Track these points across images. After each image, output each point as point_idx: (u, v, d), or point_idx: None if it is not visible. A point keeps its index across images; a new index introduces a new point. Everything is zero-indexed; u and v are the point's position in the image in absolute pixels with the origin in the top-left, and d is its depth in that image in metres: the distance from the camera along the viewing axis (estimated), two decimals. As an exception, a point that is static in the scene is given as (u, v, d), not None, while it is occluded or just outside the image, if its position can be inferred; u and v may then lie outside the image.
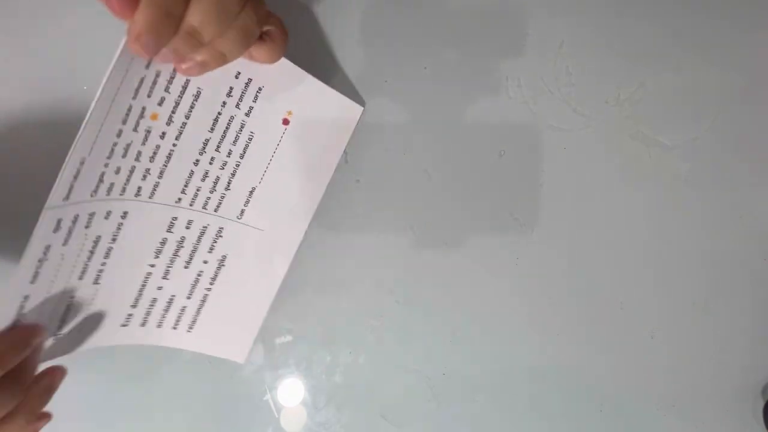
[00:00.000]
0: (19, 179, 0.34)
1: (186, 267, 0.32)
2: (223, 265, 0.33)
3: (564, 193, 0.36)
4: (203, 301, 0.33)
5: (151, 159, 0.28)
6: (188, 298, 0.33)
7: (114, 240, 0.29)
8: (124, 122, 0.26)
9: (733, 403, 0.36)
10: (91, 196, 0.27)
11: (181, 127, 0.28)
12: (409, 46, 0.35)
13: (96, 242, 0.28)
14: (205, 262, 0.33)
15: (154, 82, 0.26)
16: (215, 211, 0.32)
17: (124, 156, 0.27)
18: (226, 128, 0.30)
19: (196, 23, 0.22)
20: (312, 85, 0.31)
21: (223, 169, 0.31)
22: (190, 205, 0.31)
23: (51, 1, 0.33)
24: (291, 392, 0.36)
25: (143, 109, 0.26)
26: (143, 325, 0.32)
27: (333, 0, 0.36)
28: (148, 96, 0.26)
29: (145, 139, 0.28)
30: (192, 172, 0.30)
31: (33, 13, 0.33)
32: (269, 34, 0.27)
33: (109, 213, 0.28)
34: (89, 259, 0.28)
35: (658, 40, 0.36)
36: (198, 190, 0.31)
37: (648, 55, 0.36)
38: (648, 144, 0.36)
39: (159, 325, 0.33)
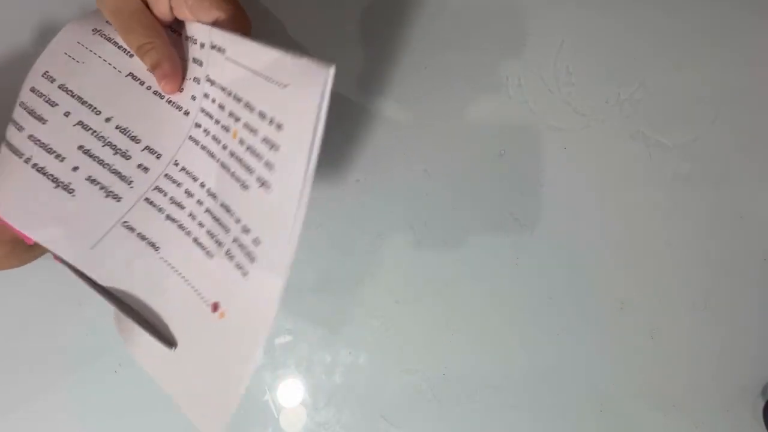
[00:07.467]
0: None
1: None
2: None
3: (564, 193, 0.36)
4: None
5: None
6: None
7: None
8: None
9: (733, 403, 0.36)
10: None
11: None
12: (409, 46, 0.35)
13: None
14: None
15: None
16: None
17: None
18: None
19: None
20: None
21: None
22: None
23: None
24: (291, 392, 0.36)
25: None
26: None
27: (332, 0, 0.35)
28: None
29: None
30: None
31: None
32: None
33: None
34: None
35: (658, 39, 0.36)
36: None
37: (648, 55, 0.36)
38: (648, 144, 0.36)
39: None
